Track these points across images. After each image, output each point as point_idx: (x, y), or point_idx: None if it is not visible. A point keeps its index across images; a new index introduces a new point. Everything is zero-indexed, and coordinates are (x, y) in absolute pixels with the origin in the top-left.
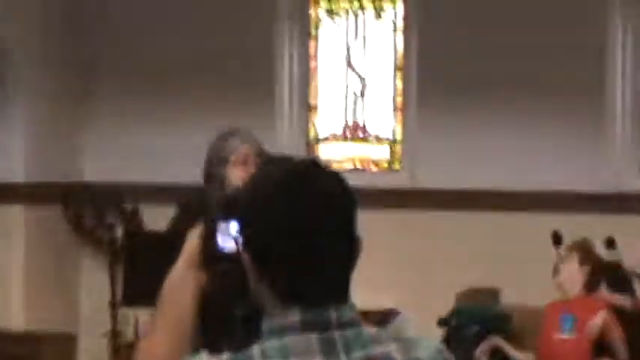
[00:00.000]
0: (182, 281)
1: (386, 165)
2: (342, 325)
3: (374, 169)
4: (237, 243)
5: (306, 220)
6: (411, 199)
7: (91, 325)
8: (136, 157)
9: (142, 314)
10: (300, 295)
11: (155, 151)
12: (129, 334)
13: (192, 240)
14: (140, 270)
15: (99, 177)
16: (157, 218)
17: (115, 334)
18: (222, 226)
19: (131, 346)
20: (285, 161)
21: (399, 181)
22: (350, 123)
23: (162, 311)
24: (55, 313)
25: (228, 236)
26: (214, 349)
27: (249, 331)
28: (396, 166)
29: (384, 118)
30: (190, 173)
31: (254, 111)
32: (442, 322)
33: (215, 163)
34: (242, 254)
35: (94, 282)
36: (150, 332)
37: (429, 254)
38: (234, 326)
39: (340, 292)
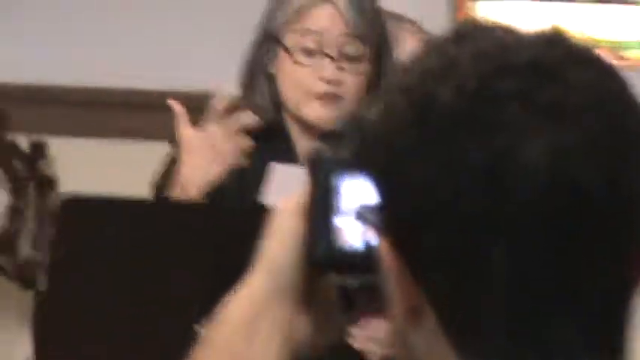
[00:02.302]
0: (259, 322)
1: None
2: None
3: (612, 60)
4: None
5: (539, 172)
6: None
7: None
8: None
9: None
10: (514, 338)
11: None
12: None
13: (282, 227)
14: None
15: None
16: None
17: None
18: (347, 191)
19: None
20: (484, 33)
21: None
22: None
23: None
24: None
25: (363, 217)
26: None
27: None
28: None
29: None
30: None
31: None
32: None
33: (257, 45)
34: (381, 252)
35: None
36: None
37: None
38: None
39: (601, 340)
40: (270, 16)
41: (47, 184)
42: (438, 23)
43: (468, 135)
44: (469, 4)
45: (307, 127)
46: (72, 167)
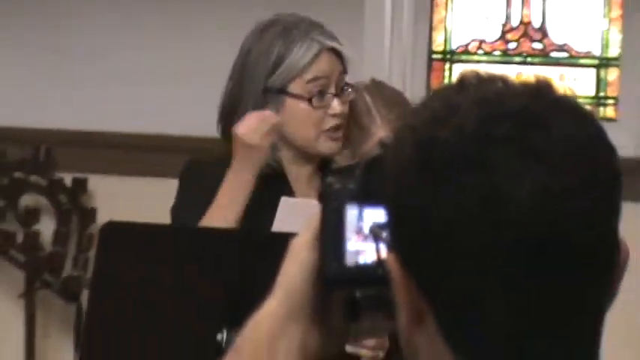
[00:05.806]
0: (277, 343)
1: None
2: None
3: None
4: (385, 252)
5: (527, 209)
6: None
7: None
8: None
9: None
10: (511, 342)
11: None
12: None
13: (298, 255)
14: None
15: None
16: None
17: None
18: (357, 218)
19: None
20: (483, 83)
21: (617, 143)
22: (515, 23)
23: None
24: None
25: (373, 240)
26: None
27: None
28: (609, 112)
29: (582, 14)
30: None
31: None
32: None
33: (252, 103)
34: (389, 265)
35: None
36: None
37: None
38: None
39: (585, 351)
40: (264, 73)
41: (88, 214)
42: (417, 87)
43: (466, 172)
44: (445, 66)
45: (313, 158)
46: (109, 200)
